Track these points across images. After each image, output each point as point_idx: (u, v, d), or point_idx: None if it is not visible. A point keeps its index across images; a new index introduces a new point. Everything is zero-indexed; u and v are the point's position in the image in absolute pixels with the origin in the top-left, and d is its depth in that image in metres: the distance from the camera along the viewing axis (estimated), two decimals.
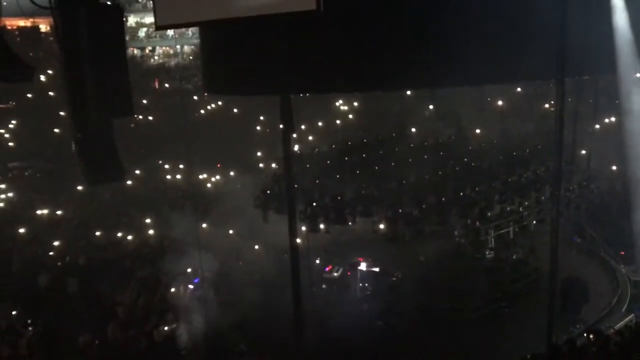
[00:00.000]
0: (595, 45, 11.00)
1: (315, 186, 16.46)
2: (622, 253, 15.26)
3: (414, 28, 11.03)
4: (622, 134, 13.24)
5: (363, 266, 15.05)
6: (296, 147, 17.31)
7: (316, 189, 16.34)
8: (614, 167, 17.73)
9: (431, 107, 23.00)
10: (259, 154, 20.89)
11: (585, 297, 13.28)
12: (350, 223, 15.64)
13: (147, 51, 31.24)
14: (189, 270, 13.86)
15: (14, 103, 25.09)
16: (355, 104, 25.93)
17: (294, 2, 6.56)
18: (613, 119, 16.64)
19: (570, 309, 12.84)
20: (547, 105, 19.12)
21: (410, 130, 21.48)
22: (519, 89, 20.26)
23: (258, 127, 23.68)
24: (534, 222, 14.90)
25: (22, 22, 24.71)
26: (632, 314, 12.54)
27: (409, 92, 22.15)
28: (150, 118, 25.83)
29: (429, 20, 10.85)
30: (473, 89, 17.67)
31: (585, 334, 10.08)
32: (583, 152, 15.25)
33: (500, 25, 10.40)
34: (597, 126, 16.30)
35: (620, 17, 11.36)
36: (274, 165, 18.33)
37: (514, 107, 19.96)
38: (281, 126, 11.72)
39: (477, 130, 20.24)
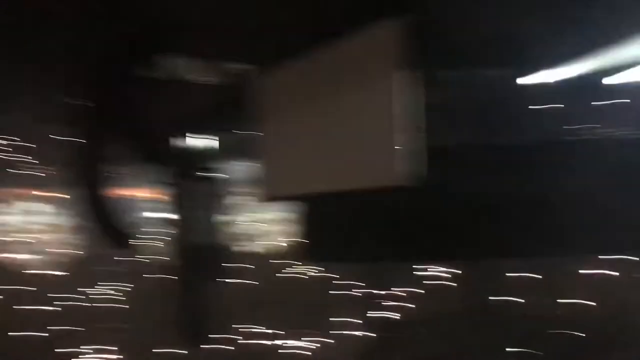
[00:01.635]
0: None
1: None
2: None
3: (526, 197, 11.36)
4: None
5: None
6: (387, 314, 17.19)
7: None
8: None
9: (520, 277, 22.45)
10: (347, 319, 20.87)
11: None
12: None
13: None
14: None
15: None
16: (458, 270, 25.72)
17: (384, 177, 7.10)
18: None
19: None
20: None
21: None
22: None
23: (348, 292, 23.85)
24: None
25: (141, 193, 27.09)
26: None
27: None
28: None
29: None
30: None
31: None
32: None
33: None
34: None
35: None
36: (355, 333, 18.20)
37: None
38: (371, 291, 11.95)
39: None
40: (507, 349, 16.10)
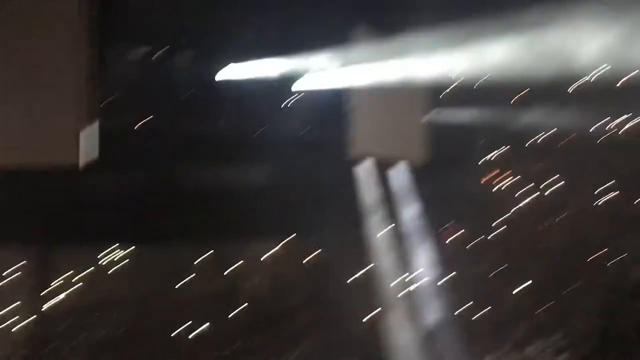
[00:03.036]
0: (347, 207, 12.51)
1: (74, 347, 15.01)
2: None
3: (184, 183, 11.44)
4: (374, 286, 14.82)
5: None
6: (52, 303, 15.80)
7: (75, 351, 14.91)
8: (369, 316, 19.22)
9: (202, 258, 23.06)
10: (7, 310, 18.53)
11: None
12: None
13: None
14: None
15: None
16: (125, 253, 24.87)
17: (55, 156, 6.38)
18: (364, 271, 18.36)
19: None
20: (308, 259, 20.44)
21: (182, 282, 21.08)
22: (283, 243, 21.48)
23: (8, 280, 21.24)
24: None
25: None
26: None
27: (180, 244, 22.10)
28: None
29: (200, 176, 11.41)
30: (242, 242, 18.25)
31: None
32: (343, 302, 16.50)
33: (265, 188, 11.38)
34: (353, 278, 18.03)
35: (367, 183, 13.16)
36: (25, 323, 16.41)
37: (280, 260, 20.97)
38: (33, 280, 10.83)
39: (247, 282, 20.60)
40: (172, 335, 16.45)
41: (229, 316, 17.28)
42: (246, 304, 18.95)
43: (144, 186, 11.21)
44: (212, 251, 19.98)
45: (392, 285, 14.31)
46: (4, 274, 21.02)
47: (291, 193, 11.43)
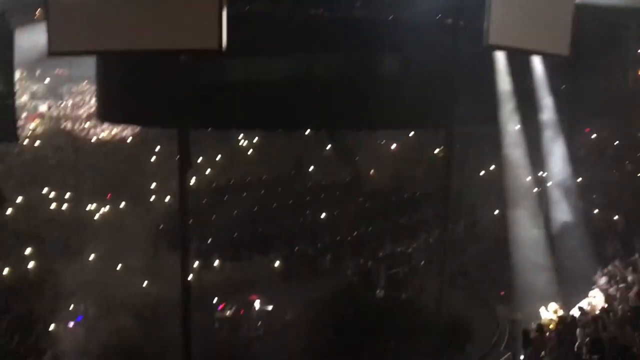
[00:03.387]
0: (480, 99, 12.00)
1: (211, 222, 16.29)
2: (502, 293, 16.28)
3: (314, 70, 11.48)
4: (503, 181, 14.47)
5: (257, 304, 14.94)
6: (192, 181, 17.04)
7: (212, 225, 16.18)
8: (496, 212, 19.01)
9: (328, 147, 23.61)
10: (153, 186, 20.34)
11: (468, 336, 13.99)
12: (245, 260, 15.56)
13: (37, 73, 29.80)
14: (71, 306, 13.14)
15: None
16: (256, 139, 26.12)
17: (196, 40, 6.58)
18: (493, 166, 17.91)
19: (454, 347, 13.47)
20: (436, 151, 20.21)
21: (308, 170, 21.85)
22: (411, 134, 21.28)
23: (153, 158, 23.12)
24: (422, 262, 15.55)
25: None
26: (510, 352, 13.30)
27: (308, 132, 22.72)
28: (37, 144, 24.50)
29: (330, 63, 11.35)
30: (369, 132, 18.38)
31: None
32: (469, 196, 16.34)
33: (396, 76, 11.10)
34: (482, 172, 17.60)
35: (503, 75, 12.48)
36: (168, 198, 17.94)
37: (407, 151, 20.92)
38: (177, 159, 11.54)
39: (372, 172, 20.93)
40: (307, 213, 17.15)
41: (353, 203, 17.82)
42: (371, 192, 19.39)
43: (275, 73, 11.36)
44: (340, 139, 20.40)
45: (523, 181, 13.80)
46: (151, 152, 22.97)
47: (423, 81, 11.05)
